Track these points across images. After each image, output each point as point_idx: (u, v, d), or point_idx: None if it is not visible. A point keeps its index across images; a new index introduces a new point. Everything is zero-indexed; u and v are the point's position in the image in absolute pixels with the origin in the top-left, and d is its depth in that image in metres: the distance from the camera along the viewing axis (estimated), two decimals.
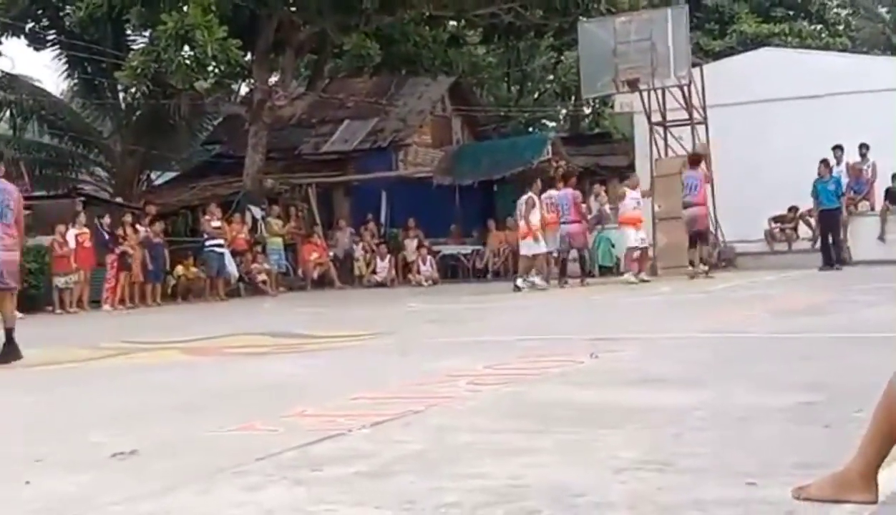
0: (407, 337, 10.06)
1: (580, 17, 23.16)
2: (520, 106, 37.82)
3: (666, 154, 21.02)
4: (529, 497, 3.37)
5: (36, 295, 19.11)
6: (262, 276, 21.93)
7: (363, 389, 6.23)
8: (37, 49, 26.72)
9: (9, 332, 9.05)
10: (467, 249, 24.71)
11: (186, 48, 20.84)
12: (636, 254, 18.67)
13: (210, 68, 22.47)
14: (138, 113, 27.57)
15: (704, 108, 21.46)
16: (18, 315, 17.38)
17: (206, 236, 21.31)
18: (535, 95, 41.43)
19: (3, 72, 26.30)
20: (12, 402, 6.86)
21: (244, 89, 27.95)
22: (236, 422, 5.16)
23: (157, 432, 5.13)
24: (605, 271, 21.41)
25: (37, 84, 28.07)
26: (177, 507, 3.55)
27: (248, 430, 5.00)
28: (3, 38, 25.76)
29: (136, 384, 7.56)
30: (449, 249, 24.77)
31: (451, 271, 24.44)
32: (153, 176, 29.28)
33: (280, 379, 7.24)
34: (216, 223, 21.07)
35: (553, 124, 41.29)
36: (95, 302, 19.67)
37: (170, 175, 29.97)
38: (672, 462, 3.76)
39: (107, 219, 20.32)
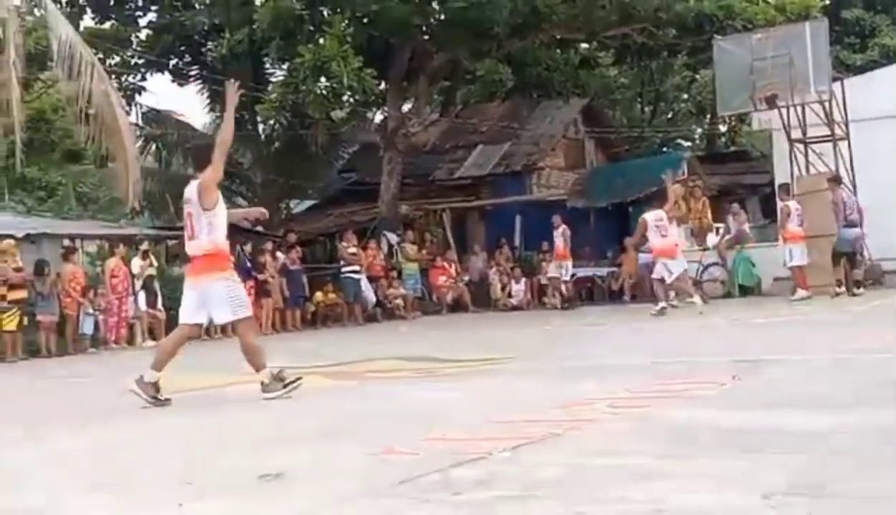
0: (545, 361, 10.03)
1: (715, 35, 22.83)
2: (653, 126, 37.44)
3: (807, 171, 20.50)
4: None
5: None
6: (399, 301, 22.18)
7: (502, 412, 6.22)
8: (180, 85, 27.71)
9: None
10: (603, 271, 24.51)
11: (323, 79, 21.31)
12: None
13: (345, 98, 22.94)
14: (277, 143, 28.29)
15: (847, 124, 20.87)
16: (151, 343, 18.04)
17: (342, 262, 21.66)
18: (669, 115, 40.97)
19: (148, 107, 27.32)
20: (160, 426, 7.07)
21: (378, 117, 28.37)
22: (377, 446, 5.20)
23: (300, 456, 5.21)
24: (747, 291, 20.97)
25: (181, 118, 29.02)
26: None
27: (390, 454, 5.04)
28: (149, 75, 26.81)
29: (279, 408, 7.69)
30: (584, 271, 24.61)
31: (588, 293, 24.27)
32: (292, 204, 29.92)
33: (419, 403, 7.28)
34: (352, 249, 21.41)
35: (688, 143, 40.72)
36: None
37: (308, 203, 30.59)
38: (822, 487, 3.65)
39: (248, 247, 20.86)
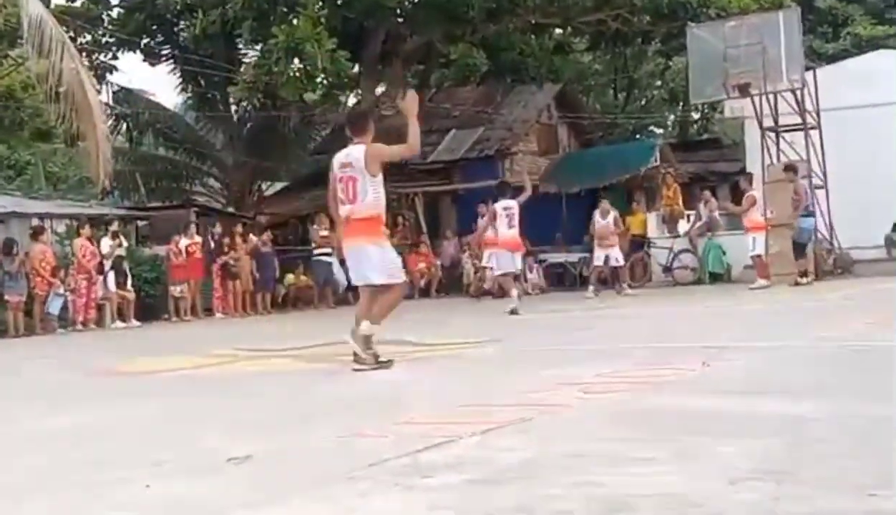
0: (516, 345, 10.04)
1: (689, 23, 22.88)
2: (627, 112, 37.54)
3: (778, 159, 20.61)
4: (643, 507, 3.31)
5: (153, 304, 19.64)
6: None
7: (472, 397, 6.23)
8: (152, 64, 27.47)
9: None
10: (574, 257, 24.56)
11: (296, 61, 21.20)
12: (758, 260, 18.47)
13: (319, 80, 22.82)
14: (249, 125, 28.17)
15: (818, 113, 20.98)
16: (136, 323, 17.94)
17: (314, 245, 21.60)
18: (643, 102, 41.09)
19: (119, 86, 27.09)
20: (130, 408, 7.03)
21: (352, 100, 28.26)
22: (347, 429, 5.19)
23: (270, 438, 5.19)
24: (717, 278, 21.10)
25: (152, 98, 28.83)
26: (292, 512, 3.59)
27: (360, 437, 5.03)
28: (120, 54, 26.57)
29: (248, 391, 7.68)
30: (555, 257, 24.65)
31: (558, 279, 24.32)
32: (264, 186, 29.80)
33: (389, 386, 7.28)
34: (324, 232, 21.34)
35: (661, 131, 40.87)
36: (208, 310, 20.12)
37: (280, 185, 30.48)
38: (790, 472, 3.66)
39: (217, 229, 20.78)
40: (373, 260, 8.11)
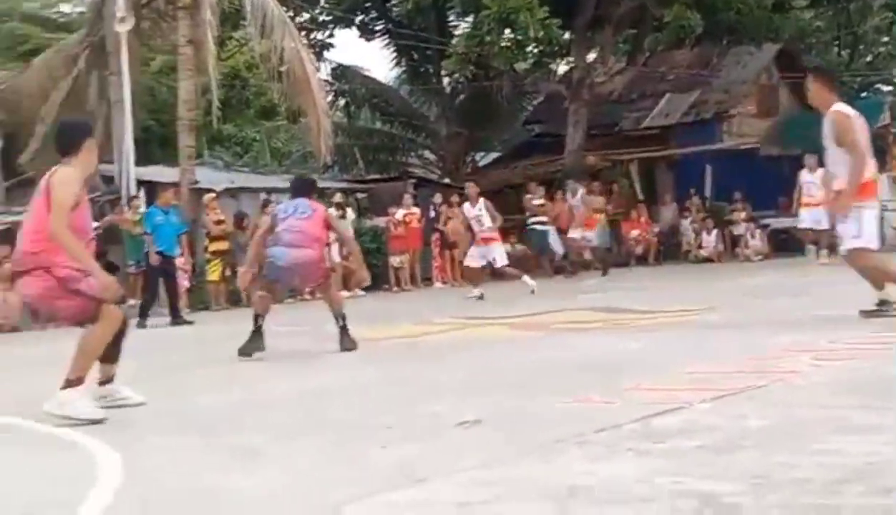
0: (742, 312, 9.78)
1: None
2: (851, 70, 35.81)
3: None
4: (887, 474, 3.18)
5: (374, 274, 20.20)
6: (587, 254, 22.01)
7: (700, 363, 6.12)
8: (367, 39, 28.09)
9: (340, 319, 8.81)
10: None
11: (508, 30, 21.23)
12: None
13: (529, 49, 22.78)
14: (461, 96, 28.43)
15: None
16: (360, 292, 18.52)
17: (528, 214, 21.63)
18: (869, 58, 39.10)
19: (336, 63, 27.85)
20: (358, 374, 7.24)
21: (563, 68, 28.08)
22: (572, 395, 5.19)
23: (495, 404, 5.25)
24: None
25: (367, 73, 29.49)
26: (524, 474, 3.62)
27: (586, 403, 5.02)
28: (336, 31, 27.30)
29: (469, 358, 7.78)
30: (780, 222, 23.80)
31: (781, 245, 23.48)
32: (477, 157, 30.06)
33: (613, 353, 7.22)
34: (538, 201, 21.31)
35: (889, 88, 38.82)
36: (427, 280, 20.53)
37: (493, 155, 30.67)
38: None
39: (437, 199, 21.14)
40: (866, 222, 8.03)
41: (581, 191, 20.73)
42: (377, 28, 28.02)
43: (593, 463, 3.64)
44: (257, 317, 8.62)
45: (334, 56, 27.83)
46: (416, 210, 20.74)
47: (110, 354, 6.04)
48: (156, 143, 24.55)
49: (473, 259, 16.08)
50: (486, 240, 15.85)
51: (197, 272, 18.14)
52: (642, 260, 23.31)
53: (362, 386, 6.56)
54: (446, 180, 26.68)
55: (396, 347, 9.07)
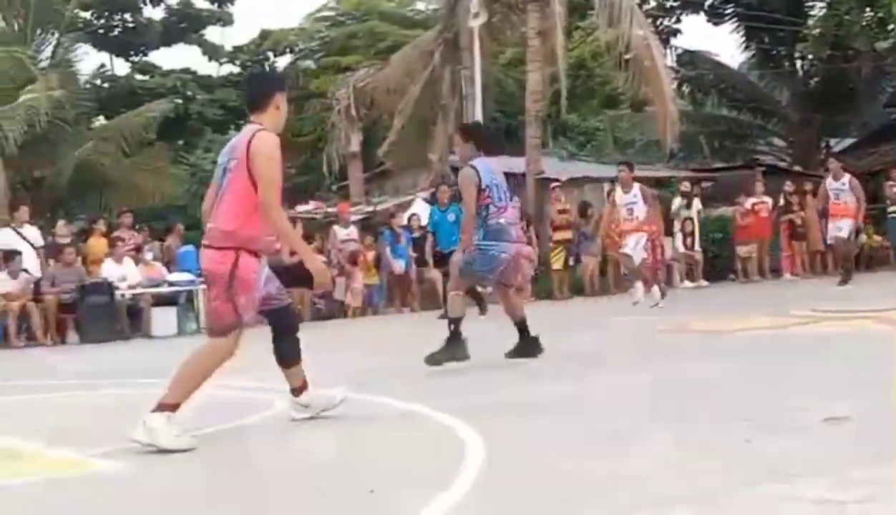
0: None
1: None
2: None
3: None
4: None
5: (719, 264, 19.80)
6: None
7: None
8: (715, 24, 27.45)
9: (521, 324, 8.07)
10: None
11: (868, 9, 20.14)
12: None
13: (892, 27, 21.49)
14: (815, 79, 27.23)
15: None
16: (704, 283, 18.20)
17: (889, 203, 20.36)
18: None
19: (683, 49, 27.42)
20: (717, 366, 7.06)
21: None
22: None
23: (862, 400, 4.99)
24: None
25: (715, 58, 28.81)
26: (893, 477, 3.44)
27: None
28: (683, 16, 26.87)
29: (831, 352, 7.45)
30: None
31: None
32: (832, 142, 28.66)
33: None
34: None
35: None
36: (775, 271, 19.85)
37: (849, 140, 29.13)
38: None
39: (788, 187, 20.42)
40: None
41: None
42: (727, 12, 27.34)
43: None
44: (458, 321, 7.73)
45: (680, 42, 27.44)
46: (767, 199, 20.06)
47: (288, 354, 5.56)
48: (501, 134, 25.21)
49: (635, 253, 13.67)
50: (633, 232, 13.71)
51: (541, 261, 18.50)
52: None
53: (719, 378, 6.43)
54: (797, 168, 25.66)
55: (749, 338, 8.87)
